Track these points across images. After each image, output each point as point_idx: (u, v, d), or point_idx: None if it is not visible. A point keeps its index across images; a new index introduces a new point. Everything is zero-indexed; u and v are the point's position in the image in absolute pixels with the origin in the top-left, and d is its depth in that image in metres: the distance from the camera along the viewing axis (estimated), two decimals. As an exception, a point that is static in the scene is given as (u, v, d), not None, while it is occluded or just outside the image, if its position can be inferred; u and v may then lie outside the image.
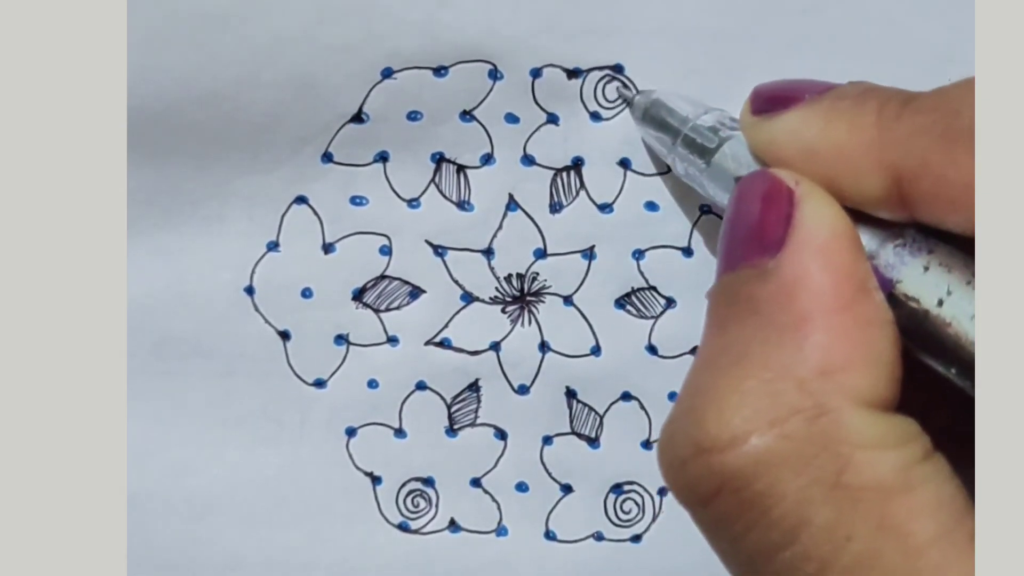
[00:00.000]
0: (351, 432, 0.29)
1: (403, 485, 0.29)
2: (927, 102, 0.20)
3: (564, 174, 0.28)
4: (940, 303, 0.20)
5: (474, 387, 0.29)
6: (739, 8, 0.27)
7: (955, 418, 0.21)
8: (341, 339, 0.29)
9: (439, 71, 0.28)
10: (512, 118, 0.28)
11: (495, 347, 0.29)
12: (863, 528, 0.18)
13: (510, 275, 0.29)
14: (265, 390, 0.29)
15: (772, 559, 0.19)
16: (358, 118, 0.28)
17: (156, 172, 0.28)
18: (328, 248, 0.29)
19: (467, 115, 0.28)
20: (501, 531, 0.29)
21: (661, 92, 0.27)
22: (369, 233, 0.29)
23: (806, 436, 0.18)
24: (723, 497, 0.19)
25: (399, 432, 0.29)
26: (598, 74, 0.28)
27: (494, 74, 0.28)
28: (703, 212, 0.28)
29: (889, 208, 0.20)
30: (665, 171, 0.28)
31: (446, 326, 0.29)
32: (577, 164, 0.28)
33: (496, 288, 0.29)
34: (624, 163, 0.28)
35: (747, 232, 0.20)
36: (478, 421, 0.29)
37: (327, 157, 0.28)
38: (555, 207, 0.29)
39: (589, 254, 0.29)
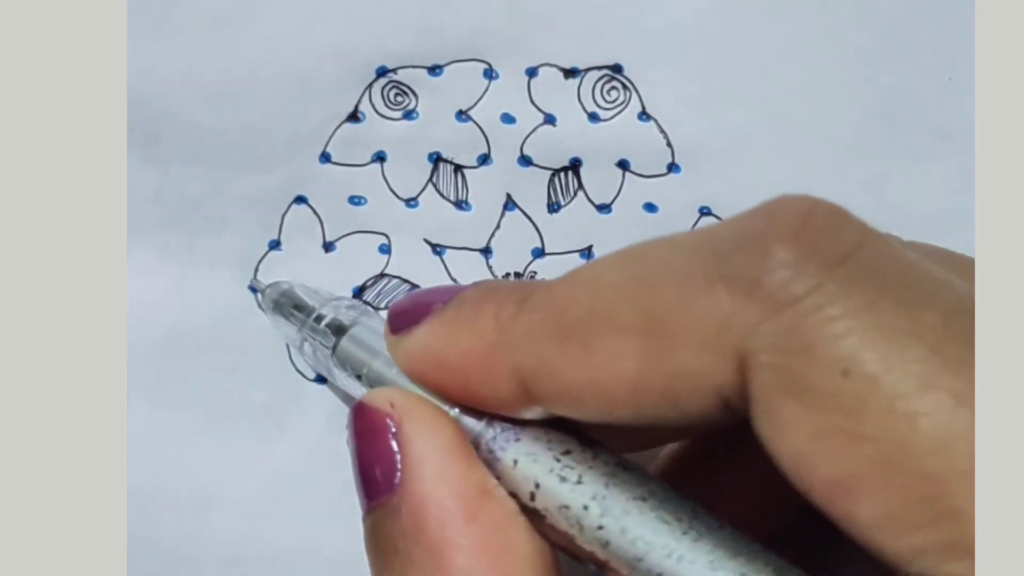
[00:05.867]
0: (351, 429, 0.29)
1: (404, 481, 0.29)
2: (538, 300, 0.19)
3: (562, 175, 0.28)
4: (532, 497, 0.19)
5: (474, 384, 0.29)
6: (739, 8, 0.27)
7: None
8: (341, 337, 0.29)
9: (434, 70, 0.28)
10: (508, 118, 0.28)
11: (494, 345, 0.29)
12: None
13: (508, 274, 0.29)
14: (267, 386, 0.29)
15: None
16: (354, 117, 0.28)
17: (158, 173, 0.28)
18: (328, 247, 0.29)
19: (463, 115, 0.28)
20: (500, 528, 0.29)
21: (292, 283, 0.27)
22: (368, 232, 0.29)
23: None
24: None
25: (399, 429, 0.29)
26: (596, 74, 0.27)
27: (489, 73, 0.27)
28: (703, 214, 0.28)
29: (525, 407, 0.19)
30: (664, 172, 0.28)
31: (446, 324, 0.29)
32: (575, 165, 0.28)
33: (495, 286, 0.29)
34: (623, 164, 0.28)
35: (365, 472, 0.20)
36: (478, 418, 0.29)
37: (325, 157, 0.28)
38: (553, 207, 0.28)
39: (587, 254, 0.28)
